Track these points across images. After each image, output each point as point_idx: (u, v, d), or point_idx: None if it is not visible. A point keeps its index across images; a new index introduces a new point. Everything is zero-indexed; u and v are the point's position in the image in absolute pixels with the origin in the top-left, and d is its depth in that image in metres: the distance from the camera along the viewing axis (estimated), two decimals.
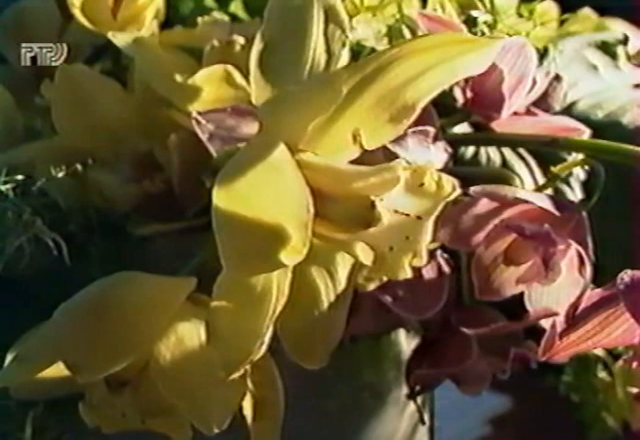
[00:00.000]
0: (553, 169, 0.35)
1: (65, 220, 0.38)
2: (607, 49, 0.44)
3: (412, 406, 0.43)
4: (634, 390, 0.45)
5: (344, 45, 0.29)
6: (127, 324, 0.31)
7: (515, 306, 0.33)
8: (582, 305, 0.31)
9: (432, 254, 0.33)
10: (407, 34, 0.40)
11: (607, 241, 0.33)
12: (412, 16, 0.40)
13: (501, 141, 0.39)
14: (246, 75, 0.32)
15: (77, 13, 0.43)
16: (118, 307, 0.32)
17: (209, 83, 0.37)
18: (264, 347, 0.27)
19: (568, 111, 0.41)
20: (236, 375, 0.27)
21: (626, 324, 0.30)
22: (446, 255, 0.35)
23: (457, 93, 0.37)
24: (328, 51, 0.29)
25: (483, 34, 0.41)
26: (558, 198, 0.34)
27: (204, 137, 0.35)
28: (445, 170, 0.32)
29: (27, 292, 0.36)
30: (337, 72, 0.28)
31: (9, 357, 0.31)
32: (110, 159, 0.39)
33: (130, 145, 0.39)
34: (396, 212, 0.27)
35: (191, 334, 0.32)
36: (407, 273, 0.28)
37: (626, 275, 0.29)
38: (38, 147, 0.41)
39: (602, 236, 0.32)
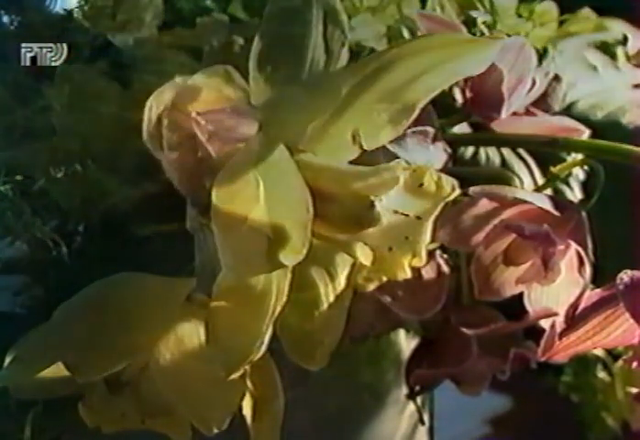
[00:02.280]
0: (552, 169, 0.35)
1: (65, 220, 0.38)
2: (606, 49, 0.45)
3: (411, 406, 0.44)
4: (634, 390, 0.45)
5: (343, 45, 0.29)
6: (127, 324, 0.31)
7: (515, 306, 0.33)
8: (582, 305, 0.31)
9: (431, 254, 0.33)
10: (407, 34, 0.40)
11: (607, 241, 0.33)
12: (411, 17, 0.40)
13: (500, 141, 0.39)
14: (245, 75, 0.32)
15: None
16: (118, 307, 0.32)
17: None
18: (264, 347, 0.27)
19: (568, 111, 0.42)
20: (236, 375, 0.27)
21: (626, 324, 0.30)
22: (445, 255, 0.35)
23: (457, 93, 0.37)
24: (328, 52, 0.29)
25: (483, 34, 0.41)
26: (558, 198, 0.34)
27: (203, 137, 0.35)
28: (444, 170, 0.32)
29: (28, 292, 0.36)
30: (337, 73, 0.28)
31: (9, 358, 0.31)
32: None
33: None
34: (395, 212, 0.27)
35: (191, 334, 0.32)
36: (407, 273, 0.28)
37: (626, 275, 0.29)
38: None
39: (602, 236, 0.32)
